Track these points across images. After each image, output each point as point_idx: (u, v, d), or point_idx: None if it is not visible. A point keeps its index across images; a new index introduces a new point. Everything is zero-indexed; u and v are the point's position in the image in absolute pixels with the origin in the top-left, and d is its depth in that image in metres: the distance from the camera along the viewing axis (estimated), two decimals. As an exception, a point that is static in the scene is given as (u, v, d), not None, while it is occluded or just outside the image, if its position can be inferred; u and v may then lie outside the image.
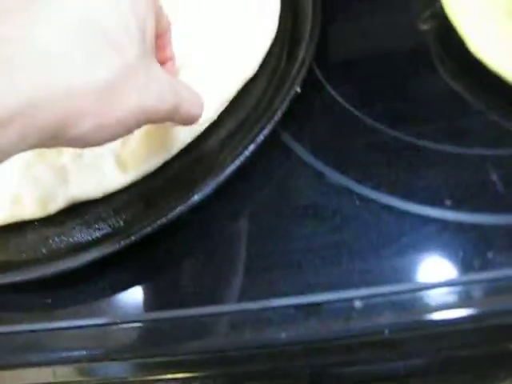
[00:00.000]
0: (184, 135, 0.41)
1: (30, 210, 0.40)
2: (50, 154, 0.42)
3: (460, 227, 0.37)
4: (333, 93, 0.44)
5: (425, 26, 0.49)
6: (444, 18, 0.45)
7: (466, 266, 0.36)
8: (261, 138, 0.39)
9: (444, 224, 0.37)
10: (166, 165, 0.41)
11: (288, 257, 0.38)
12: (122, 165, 0.41)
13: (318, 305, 0.36)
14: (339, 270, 0.37)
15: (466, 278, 0.36)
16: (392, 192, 0.39)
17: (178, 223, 0.38)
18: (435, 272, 0.36)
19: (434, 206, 0.38)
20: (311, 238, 0.38)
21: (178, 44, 0.41)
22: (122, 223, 0.40)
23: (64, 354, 0.38)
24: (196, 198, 0.38)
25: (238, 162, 0.38)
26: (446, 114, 0.42)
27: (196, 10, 0.47)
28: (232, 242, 0.39)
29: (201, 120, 0.38)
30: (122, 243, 0.37)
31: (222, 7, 0.47)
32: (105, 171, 0.41)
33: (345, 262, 0.37)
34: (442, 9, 0.45)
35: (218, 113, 0.42)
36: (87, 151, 0.42)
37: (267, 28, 0.45)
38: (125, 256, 0.38)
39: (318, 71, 0.45)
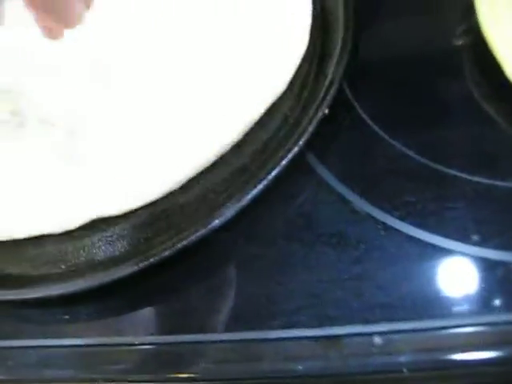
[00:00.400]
0: (208, 153, 0.41)
1: (49, 226, 0.40)
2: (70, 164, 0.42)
3: (486, 264, 0.36)
4: (362, 114, 0.43)
5: (460, 42, 0.47)
6: (480, 33, 0.43)
7: (490, 306, 0.35)
8: (285, 162, 0.38)
9: (470, 260, 0.36)
10: (188, 185, 0.40)
11: (308, 286, 0.37)
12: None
13: (336, 338, 0.35)
14: (360, 303, 0.36)
15: (489, 318, 0.34)
16: (418, 223, 0.38)
17: (197, 245, 0.38)
18: (458, 310, 0.35)
19: (460, 240, 0.37)
20: (333, 268, 0.37)
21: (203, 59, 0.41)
22: (142, 241, 0.39)
23: (78, 372, 0.38)
24: (217, 222, 0.37)
25: (260, 186, 0.37)
26: (478, 142, 0.41)
27: (219, 22, 0.46)
28: (251, 267, 0.38)
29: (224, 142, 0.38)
30: (141, 265, 0.37)
31: (249, 19, 0.45)
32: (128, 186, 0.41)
33: (366, 295, 0.36)
34: (477, 23, 0.43)
35: (241, 135, 0.41)
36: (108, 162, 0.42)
37: (296, 44, 0.43)
38: (142, 275, 0.38)
39: (347, 90, 0.44)
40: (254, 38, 0.45)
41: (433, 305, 0.35)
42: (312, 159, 0.41)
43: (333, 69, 0.42)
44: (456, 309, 0.35)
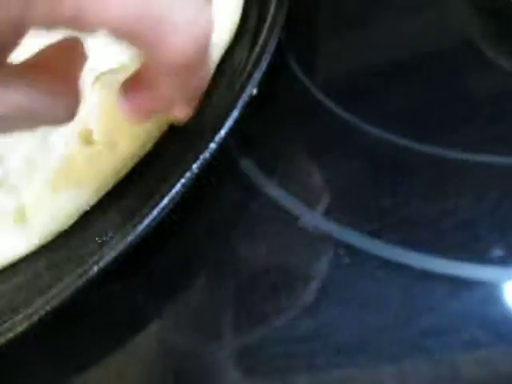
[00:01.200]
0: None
1: None
2: None
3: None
4: (315, 92, 0.30)
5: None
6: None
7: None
8: (196, 166, 0.25)
9: (492, 288, 0.22)
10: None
11: (245, 356, 0.24)
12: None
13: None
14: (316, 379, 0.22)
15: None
16: (399, 241, 0.24)
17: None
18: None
19: (472, 259, 0.23)
20: (274, 323, 0.24)
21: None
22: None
23: None
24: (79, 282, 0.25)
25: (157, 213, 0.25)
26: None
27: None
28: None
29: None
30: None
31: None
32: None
33: (321, 362, 0.22)
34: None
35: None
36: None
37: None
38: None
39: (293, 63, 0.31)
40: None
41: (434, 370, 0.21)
42: (245, 164, 0.28)
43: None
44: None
